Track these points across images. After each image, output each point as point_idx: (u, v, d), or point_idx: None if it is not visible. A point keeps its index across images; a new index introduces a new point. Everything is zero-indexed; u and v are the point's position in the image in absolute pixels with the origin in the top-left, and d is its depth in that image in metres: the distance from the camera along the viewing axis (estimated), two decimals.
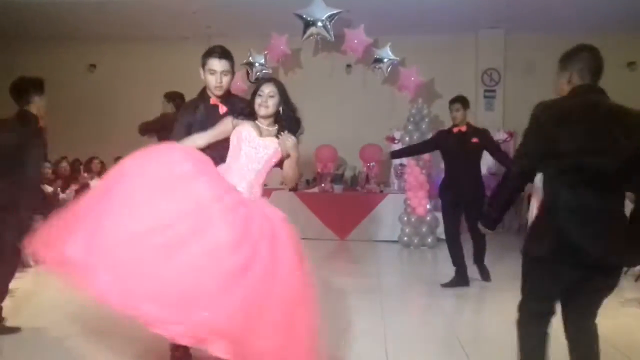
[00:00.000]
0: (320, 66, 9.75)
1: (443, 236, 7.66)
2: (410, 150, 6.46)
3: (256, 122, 3.07)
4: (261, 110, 3.02)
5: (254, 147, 3.02)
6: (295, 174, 3.18)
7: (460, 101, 5.28)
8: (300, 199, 8.21)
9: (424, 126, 7.89)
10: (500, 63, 9.80)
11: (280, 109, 3.07)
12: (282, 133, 3.04)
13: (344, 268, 6.29)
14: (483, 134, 5.31)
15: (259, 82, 3.17)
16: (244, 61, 9.12)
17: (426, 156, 7.80)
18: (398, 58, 8.83)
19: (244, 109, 3.10)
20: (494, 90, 9.88)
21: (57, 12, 8.83)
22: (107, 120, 10.13)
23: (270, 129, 3.07)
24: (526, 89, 9.62)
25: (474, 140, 5.16)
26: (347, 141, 9.18)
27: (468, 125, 5.30)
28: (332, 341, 3.43)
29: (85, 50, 10.36)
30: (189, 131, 3.10)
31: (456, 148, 5.21)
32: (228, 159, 3.04)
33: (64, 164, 7.21)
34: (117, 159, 9.70)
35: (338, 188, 8.59)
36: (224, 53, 3.16)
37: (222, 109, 3.16)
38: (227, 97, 3.21)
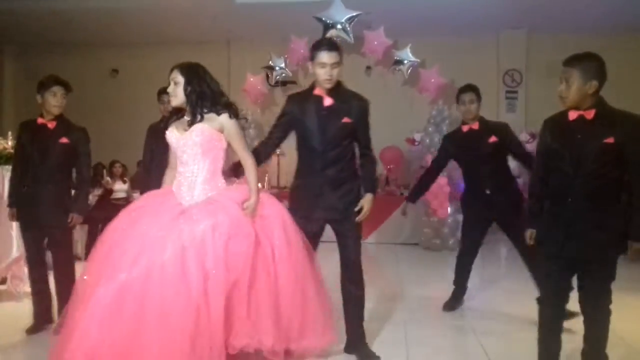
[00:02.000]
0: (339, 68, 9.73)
1: None
2: (424, 180, 4.70)
3: (181, 120, 2.90)
4: (172, 101, 2.89)
5: (181, 147, 2.84)
6: (251, 167, 2.91)
7: (474, 90, 4.43)
8: None
9: (444, 128, 7.83)
10: (522, 64, 9.69)
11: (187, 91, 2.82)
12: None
13: (364, 271, 6.25)
14: (501, 129, 4.31)
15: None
16: (264, 65, 9.16)
17: None
18: (418, 59, 8.77)
19: (168, 117, 3.02)
20: (515, 92, 9.77)
21: (80, 19, 8.97)
22: (129, 125, 10.23)
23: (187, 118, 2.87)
24: (548, 89, 9.43)
25: (492, 139, 4.18)
26: None
27: (481, 120, 4.31)
28: None
29: (108, 55, 10.51)
30: (290, 124, 3.22)
31: (471, 151, 4.26)
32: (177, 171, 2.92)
33: None
34: (139, 162, 9.80)
35: None
36: (332, 45, 3.12)
37: (327, 100, 3.15)
38: (337, 89, 3.20)
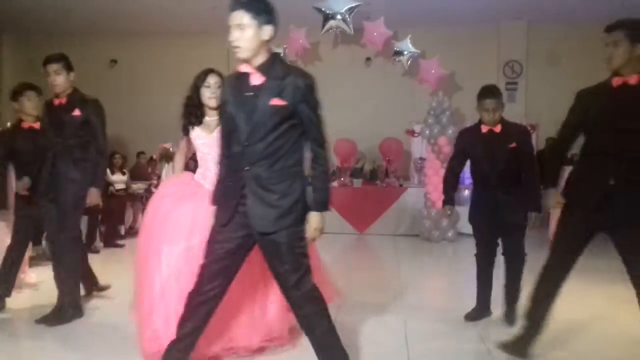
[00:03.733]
0: (339, 59, 9.71)
1: (464, 230, 7.68)
2: (451, 179, 4.04)
3: (203, 120, 3.22)
4: (211, 102, 3.17)
5: (211, 146, 3.15)
6: None
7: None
8: None
9: (444, 119, 7.81)
10: (523, 54, 9.67)
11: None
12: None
13: (363, 262, 6.28)
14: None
15: (199, 74, 3.23)
16: None
17: (446, 149, 7.72)
18: (418, 50, 8.76)
19: (188, 120, 3.24)
20: (515, 83, 9.76)
21: (79, 8, 8.93)
22: (128, 116, 10.25)
23: (216, 118, 3.15)
24: (549, 80, 9.47)
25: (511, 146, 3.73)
26: (366, 135, 9.14)
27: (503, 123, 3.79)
28: (352, 334, 3.42)
29: (106, 45, 10.48)
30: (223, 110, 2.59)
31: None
32: (200, 167, 3.28)
33: None
34: (139, 154, 9.80)
35: (357, 182, 8.57)
36: (237, 2, 2.44)
37: (255, 78, 2.43)
38: (271, 63, 2.45)
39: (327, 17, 8.08)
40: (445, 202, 3.98)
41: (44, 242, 5.81)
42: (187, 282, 2.70)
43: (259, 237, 2.48)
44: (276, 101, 2.38)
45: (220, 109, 2.68)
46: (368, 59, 9.94)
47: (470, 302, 4.35)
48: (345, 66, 9.81)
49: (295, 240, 2.46)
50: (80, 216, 3.94)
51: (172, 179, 3.46)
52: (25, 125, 4.07)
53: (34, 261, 5.43)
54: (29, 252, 4.89)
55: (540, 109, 9.10)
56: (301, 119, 2.45)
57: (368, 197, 8.24)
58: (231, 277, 2.59)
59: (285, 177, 2.45)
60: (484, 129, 3.76)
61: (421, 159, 8.38)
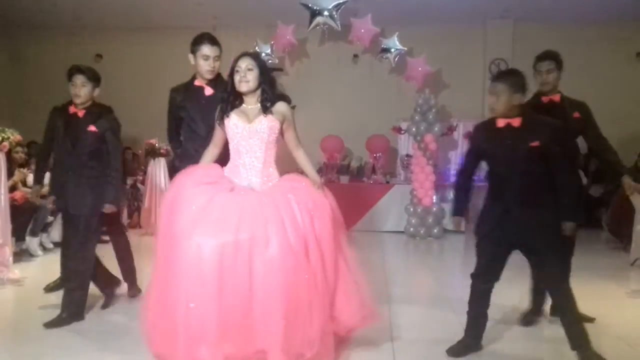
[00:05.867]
0: (326, 56, 9.70)
1: (449, 227, 7.74)
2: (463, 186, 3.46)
3: (240, 108, 2.99)
4: (242, 87, 2.94)
5: (247, 136, 2.94)
6: (304, 154, 3.16)
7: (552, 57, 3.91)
8: None
9: (430, 116, 7.84)
10: (509, 53, 9.71)
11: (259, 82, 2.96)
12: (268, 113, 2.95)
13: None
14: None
15: (234, 59, 3.04)
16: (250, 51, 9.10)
17: (432, 146, 7.76)
18: (405, 48, 8.78)
19: (221, 106, 3.02)
20: None
21: (63, 2, 8.82)
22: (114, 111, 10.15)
23: (257, 106, 2.98)
24: (534, 79, 9.54)
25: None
26: (353, 132, 9.14)
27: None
28: None
29: (92, 40, 10.35)
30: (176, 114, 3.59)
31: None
32: (231, 156, 3.00)
33: None
34: (125, 150, 9.71)
35: (344, 179, 8.58)
36: (214, 39, 3.49)
37: (208, 90, 3.46)
38: (215, 79, 3.50)
39: (315, 14, 8.07)
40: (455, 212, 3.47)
41: (27, 239, 5.76)
42: (230, 277, 2.63)
43: None
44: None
45: (177, 109, 3.53)
46: (355, 56, 9.94)
47: (453, 298, 4.38)
48: (333, 63, 9.79)
49: None
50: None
51: (201, 167, 3.07)
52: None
53: (18, 257, 5.37)
54: (12, 248, 4.84)
55: None
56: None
57: (354, 194, 8.23)
58: None
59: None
60: (500, 122, 3.07)
61: (407, 156, 8.42)
